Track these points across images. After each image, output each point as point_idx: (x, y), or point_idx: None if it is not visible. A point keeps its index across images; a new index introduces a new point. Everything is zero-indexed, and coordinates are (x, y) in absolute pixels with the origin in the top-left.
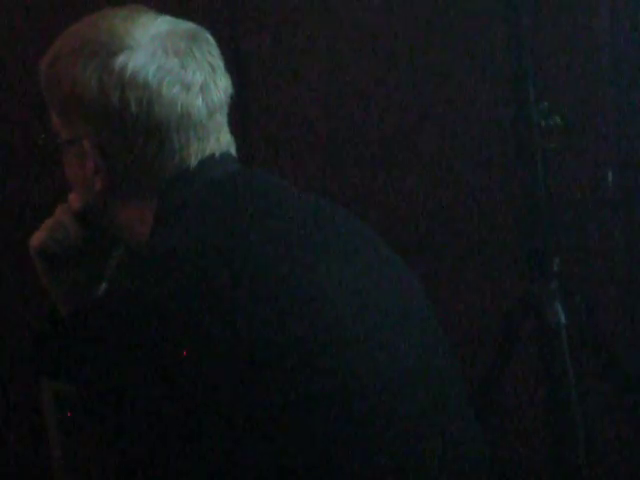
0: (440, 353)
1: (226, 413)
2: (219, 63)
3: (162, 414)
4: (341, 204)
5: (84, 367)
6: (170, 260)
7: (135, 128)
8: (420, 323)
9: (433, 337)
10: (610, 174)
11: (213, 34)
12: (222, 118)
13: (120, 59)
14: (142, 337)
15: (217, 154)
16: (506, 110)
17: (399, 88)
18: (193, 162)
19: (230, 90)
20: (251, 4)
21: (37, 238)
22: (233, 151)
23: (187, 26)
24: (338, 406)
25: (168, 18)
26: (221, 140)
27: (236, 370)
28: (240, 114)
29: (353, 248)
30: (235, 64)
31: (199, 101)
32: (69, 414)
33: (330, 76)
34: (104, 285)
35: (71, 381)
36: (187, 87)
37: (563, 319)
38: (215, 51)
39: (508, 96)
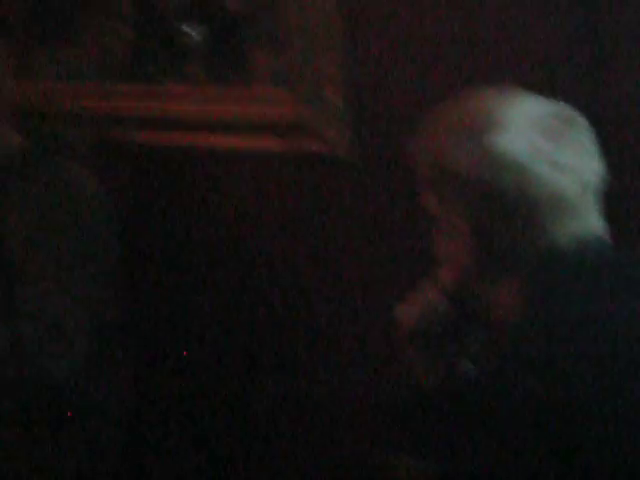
0: None
1: None
2: (592, 147)
3: None
4: None
5: (450, 444)
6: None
7: (506, 206)
8: None
9: None
10: None
11: None
12: (593, 200)
13: (493, 137)
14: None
15: (590, 237)
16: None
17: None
18: (564, 242)
19: (602, 174)
20: None
21: (408, 315)
22: (606, 236)
23: (561, 108)
24: None
25: (542, 99)
26: (591, 222)
27: None
28: None
29: None
30: None
31: (570, 181)
32: None
33: None
34: (465, 362)
35: (431, 458)
36: (559, 168)
37: None
38: (588, 134)
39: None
